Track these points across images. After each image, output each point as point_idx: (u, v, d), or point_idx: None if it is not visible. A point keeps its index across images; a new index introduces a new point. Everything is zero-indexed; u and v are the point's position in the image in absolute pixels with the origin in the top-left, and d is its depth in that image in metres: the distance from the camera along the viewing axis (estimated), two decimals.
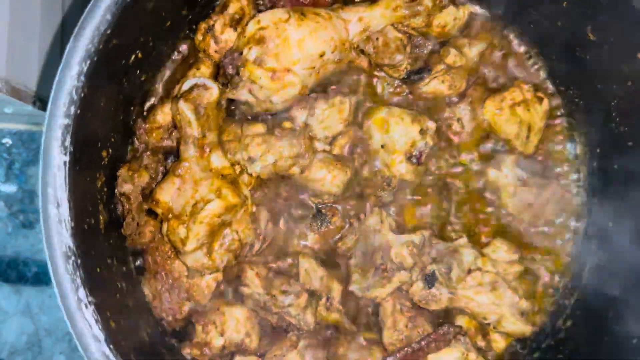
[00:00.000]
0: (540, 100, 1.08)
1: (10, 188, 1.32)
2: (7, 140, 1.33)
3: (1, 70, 0.99)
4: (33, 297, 1.29)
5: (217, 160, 0.98)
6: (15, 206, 1.31)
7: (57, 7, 1.19)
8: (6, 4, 1.00)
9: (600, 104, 1.04)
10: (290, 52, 0.97)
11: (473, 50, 1.08)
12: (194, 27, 1.06)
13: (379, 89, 1.11)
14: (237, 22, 1.03)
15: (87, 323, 0.82)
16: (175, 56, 1.09)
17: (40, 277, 1.30)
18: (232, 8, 1.03)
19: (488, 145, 1.10)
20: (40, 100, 1.12)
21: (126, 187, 0.97)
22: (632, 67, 0.94)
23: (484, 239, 1.08)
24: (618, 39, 0.95)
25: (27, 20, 1.07)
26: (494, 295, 1.00)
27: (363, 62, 1.09)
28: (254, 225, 1.00)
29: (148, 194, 0.99)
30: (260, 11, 1.03)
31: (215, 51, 1.04)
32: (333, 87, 1.08)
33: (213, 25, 1.03)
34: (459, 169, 1.10)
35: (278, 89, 0.98)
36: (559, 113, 1.13)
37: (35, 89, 1.10)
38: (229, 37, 1.03)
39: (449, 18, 1.05)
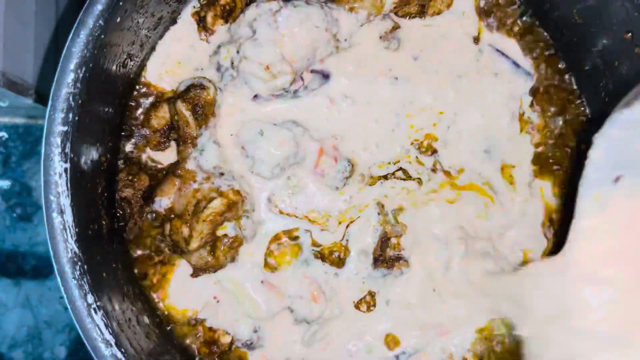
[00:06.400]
0: None
1: (7, 181, 1.31)
2: (3, 134, 1.32)
3: None
4: (32, 289, 1.29)
5: None
6: (13, 199, 1.31)
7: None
8: None
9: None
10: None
11: None
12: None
13: None
14: (228, 14, 1.02)
15: (97, 328, 0.83)
16: None
17: (39, 270, 1.30)
18: None
19: None
20: (37, 94, 1.10)
21: (127, 192, 0.97)
22: None
23: None
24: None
25: (22, 12, 1.05)
26: None
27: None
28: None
29: (148, 197, 0.99)
30: (251, 2, 1.01)
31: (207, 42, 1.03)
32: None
33: (204, 16, 1.02)
34: None
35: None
36: None
37: (32, 82, 1.08)
38: (220, 28, 1.02)
39: (443, 6, 1.05)
